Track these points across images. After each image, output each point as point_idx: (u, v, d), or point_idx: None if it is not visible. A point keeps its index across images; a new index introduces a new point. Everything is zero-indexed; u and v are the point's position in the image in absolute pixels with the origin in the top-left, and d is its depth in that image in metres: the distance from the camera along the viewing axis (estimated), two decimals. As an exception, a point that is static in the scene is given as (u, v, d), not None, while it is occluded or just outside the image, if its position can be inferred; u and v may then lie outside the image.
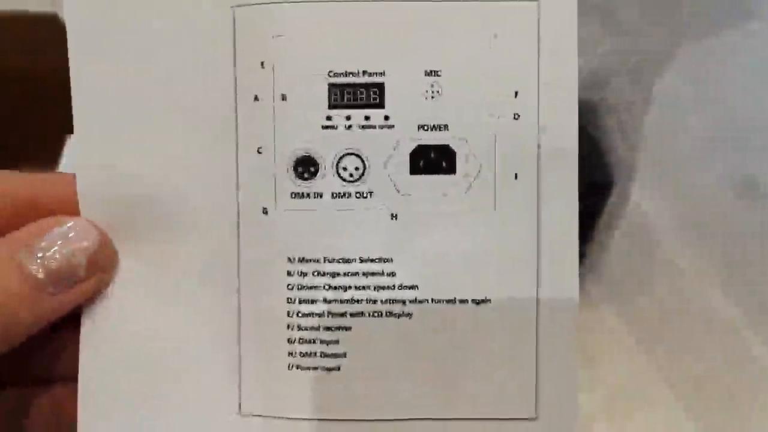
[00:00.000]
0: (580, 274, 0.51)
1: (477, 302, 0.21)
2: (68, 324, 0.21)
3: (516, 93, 0.20)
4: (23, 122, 0.56)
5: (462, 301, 0.21)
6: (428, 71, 0.20)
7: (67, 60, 0.37)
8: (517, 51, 0.20)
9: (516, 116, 0.21)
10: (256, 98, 0.20)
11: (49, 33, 0.49)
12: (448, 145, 0.21)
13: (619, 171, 0.49)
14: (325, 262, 0.21)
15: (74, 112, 0.21)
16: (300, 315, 0.21)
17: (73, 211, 0.21)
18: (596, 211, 0.50)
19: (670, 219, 0.60)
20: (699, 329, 0.55)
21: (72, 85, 0.21)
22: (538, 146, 0.21)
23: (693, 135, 0.66)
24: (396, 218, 0.21)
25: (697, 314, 0.55)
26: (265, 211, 0.21)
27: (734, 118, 0.67)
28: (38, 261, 0.19)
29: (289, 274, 0.21)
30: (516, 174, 0.21)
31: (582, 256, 0.51)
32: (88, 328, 0.21)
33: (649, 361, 0.53)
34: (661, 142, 0.60)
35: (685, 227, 0.60)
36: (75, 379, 0.21)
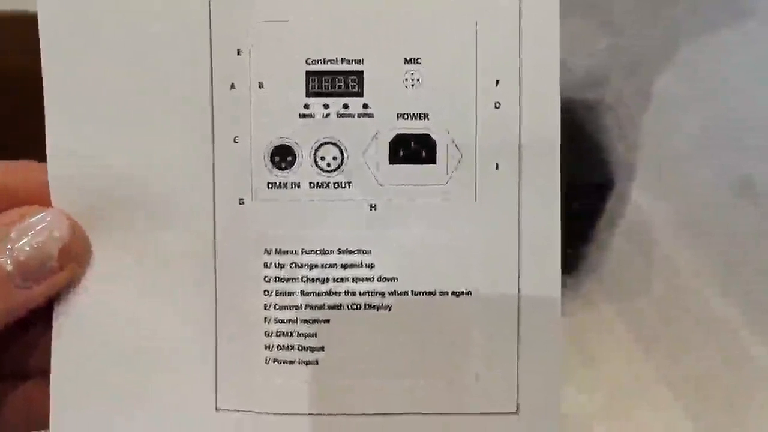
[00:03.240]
0: (580, 273, 0.51)
1: (457, 294, 0.21)
2: (41, 317, 0.21)
3: (497, 82, 0.20)
4: (23, 122, 0.56)
5: (442, 293, 0.21)
6: (408, 59, 0.20)
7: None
8: (499, 39, 0.20)
9: (497, 105, 0.20)
10: (232, 86, 0.20)
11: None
12: (428, 135, 0.20)
13: (618, 170, 0.49)
14: (302, 253, 0.21)
15: (45, 98, 0.21)
16: (277, 308, 0.21)
17: (46, 200, 0.20)
18: (596, 211, 0.50)
19: (668, 218, 0.60)
20: (698, 329, 0.54)
21: (43, 71, 0.21)
22: (520, 136, 0.20)
23: (690, 134, 0.65)
24: (375, 209, 0.20)
25: (696, 314, 0.55)
26: (241, 202, 0.21)
27: (731, 117, 0.67)
28: (7, 253, 0.18)
29: (265, 265, 0.21)
30: (497, 164, 0.20)
31: (582, 256, 0.51)
32: (60, 321, 0.21)
33: (648, 360, 0.53)
34: (660, 141, 0.60)
35: (683, 226, 0.59)
36: (47, 374, 0.21)
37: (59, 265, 0.19)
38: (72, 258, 0.20)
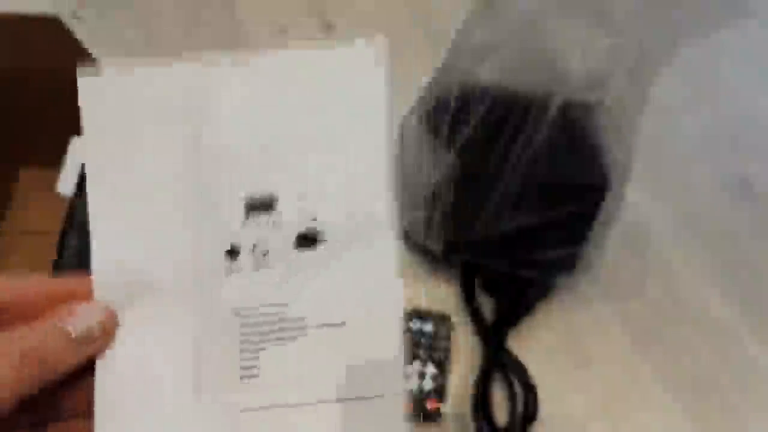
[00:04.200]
0: (575, 273, 0.51)
1: (338, 325, 0.30)
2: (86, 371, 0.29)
3: (353, 189, 0.30)
4: (23, 122, 0.56)
5: (332, 325, 0.30)
6: (302, 193, 0.30)
7: (66, 61, 0.38)
8: (353, 162, 0.30)
9: (357, 212, 0.30)
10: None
11: (49, 33, 0.49)
12: (319, 230, 0.30)
13: (615, 172, 0.49)
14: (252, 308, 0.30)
15: (90, 225, 0.30)
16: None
17: (90, 295, 0.30)
18: (592, 212, 0.50)
19: (665, 219, 0.60)
20: (694, 329, 0.55)
21: (89, 206, 0.30)
22: (360, 220, 0.30)
23: (688, 135, 0.66)
24: (291, 276, 0.30)
25: (693, 314, 0.55)
26: (214, 286, 0.30)
27: (730, 119, 0.67)
28: (72, 327, 0.28)
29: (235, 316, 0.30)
30: (355, 243, 0.30)
31: (578, 256, 0.51)
32: (100, 373, 0.29)
33: (644, 361, 0.53)
34: (657, 142, 0.60)
35: (679, 227, 0.60)
36: (90, 415, 0.29)
37: (100, 336, 0.29)
38: (107, 332, 0.29)
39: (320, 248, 0.30)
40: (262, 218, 0.30)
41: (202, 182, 0.30)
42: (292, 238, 0.30)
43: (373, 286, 0.29)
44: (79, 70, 0.29)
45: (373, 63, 0.30)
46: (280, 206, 0.30)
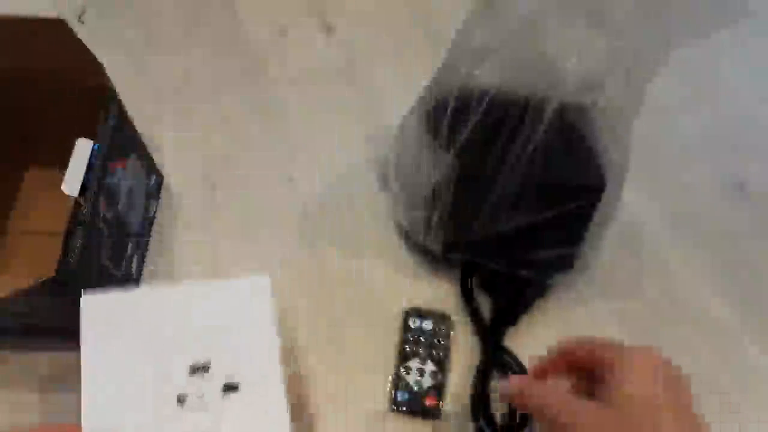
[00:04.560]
0: (573, 273, 0.51)
1: None
2: None
3: (256, 358, 0.44)
4: (28, 123, 0.57)
5: None
6: (226, 359, 0.44)
7: (66, 62, 0.38)
8: (253, 343, 0.45)
9: (260, 371, 0.44)
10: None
11: (52, 34, 0.49)
12: (237, 382, 0.43)
13: (611, 172, 0.49)
14: None
15: (82, 392, 0.42)
16: None
17: None
18: (588, 213, 0.50)
19: (663, 219, 0.60)
20: (694, 329, 0.54)
21: (82, 381, 0.43)
22: (261, 376, 0.44)
23: (687, 135, 0.65)
24: (220, 413, 0.42)
25: (692, 314, 0.55)
26: (167, 422, 0.43)
27: (728, 118, 0.67)
28: None
29: None
30: (259, 390, 0.43)
31: (575, 256, 0.51)
32: None
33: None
34: (653, 143, 0.60)
35: (678, 227, 0.60)
36: None
37: None
38: None
39: (238, 393, 0.43)
40: (202, 375, 0.43)
41: (160, 357, 0.44)
42: (220, 387, 0.43)
43: (270, 417, 0.42)
44: (83, 299, 0.45)
45: (267, 290, 0.46)
46: (212, 368, 0.44)
